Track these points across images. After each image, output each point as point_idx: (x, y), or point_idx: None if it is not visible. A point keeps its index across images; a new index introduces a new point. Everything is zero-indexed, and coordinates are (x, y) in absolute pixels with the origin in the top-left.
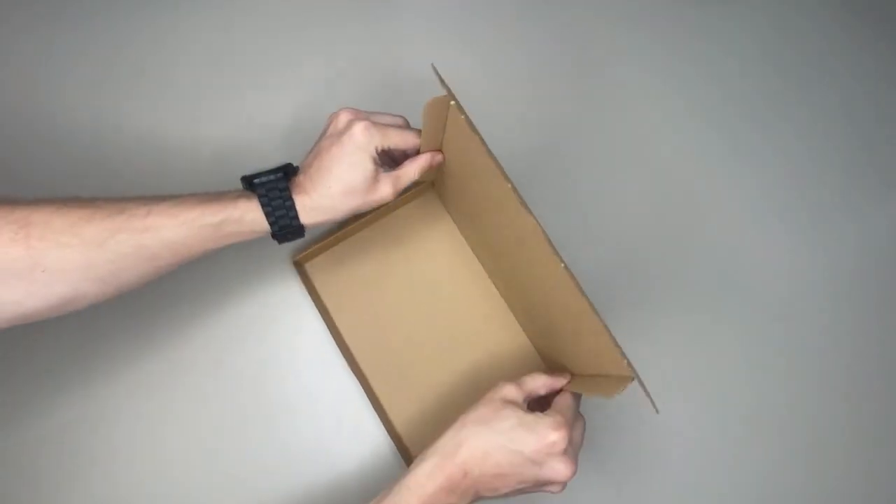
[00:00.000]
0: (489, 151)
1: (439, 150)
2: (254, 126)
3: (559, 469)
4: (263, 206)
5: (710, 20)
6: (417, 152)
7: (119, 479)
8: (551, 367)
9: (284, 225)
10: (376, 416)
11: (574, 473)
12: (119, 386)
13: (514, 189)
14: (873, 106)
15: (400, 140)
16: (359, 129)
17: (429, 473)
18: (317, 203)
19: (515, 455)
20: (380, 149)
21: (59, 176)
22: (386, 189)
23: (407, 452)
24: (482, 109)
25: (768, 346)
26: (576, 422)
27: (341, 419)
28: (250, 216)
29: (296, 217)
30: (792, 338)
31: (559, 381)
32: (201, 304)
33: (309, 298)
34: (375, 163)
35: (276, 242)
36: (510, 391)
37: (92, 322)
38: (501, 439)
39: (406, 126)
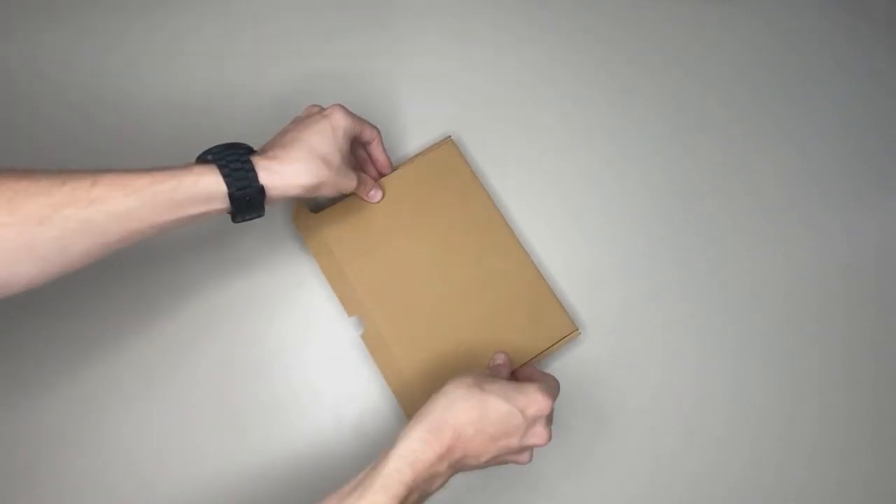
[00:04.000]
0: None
1: (380, 190)
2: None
3: (541, 433)
4: (220, 167)
5: (700, 21)
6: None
7: (115, 469)
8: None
9: (243, 185)
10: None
11: (546, 442)
12: (113, 378)
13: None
14: (867, 108)
15: (368, 132)
16: (339, 110)
17: (421, 439)
18: (283, 166)
19: (509, 415)
20: (350, 134)
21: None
22: (352, 179)
23: (410, 401)
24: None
25: (760, 345)
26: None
27: (341, 418)
28: (206, 179)
29: (255, 178)
30: (786, 337)
31: (506, 368)
32: (196, 291)
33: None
34: (347, 147)
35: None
36: (478, 372)
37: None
38: (493, 397)
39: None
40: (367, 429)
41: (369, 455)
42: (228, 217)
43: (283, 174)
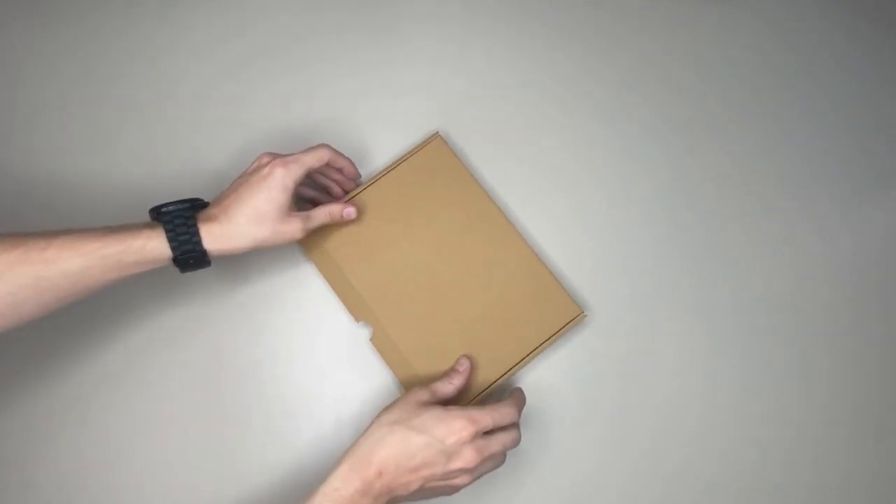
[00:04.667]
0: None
1: (353, 205)
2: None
3: (467, 456)
4: (167, 231)
5: (700, 21)
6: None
7: (115, 469)
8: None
9: (187, 250)
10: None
11: (478, 463)
12: (113, 380)
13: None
14: (868, 107)
15: (313, 160)
16: (278, 165)
17: (343, 477)
18: (224, 230)
19: (428, 446)
20: (299, 180)
21: None
22: (295, 224)
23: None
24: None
25: (764, 336)
26: (498, 422)
27: (341, 419)
28: (152, 244)
29: (199, 242)
30: (783, 336)
31: (461, 377)
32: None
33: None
34: (290, 199)
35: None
36: (422, 395)
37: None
38: (414, 433)
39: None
40: None
41: None
42: None
43: (222, 239)
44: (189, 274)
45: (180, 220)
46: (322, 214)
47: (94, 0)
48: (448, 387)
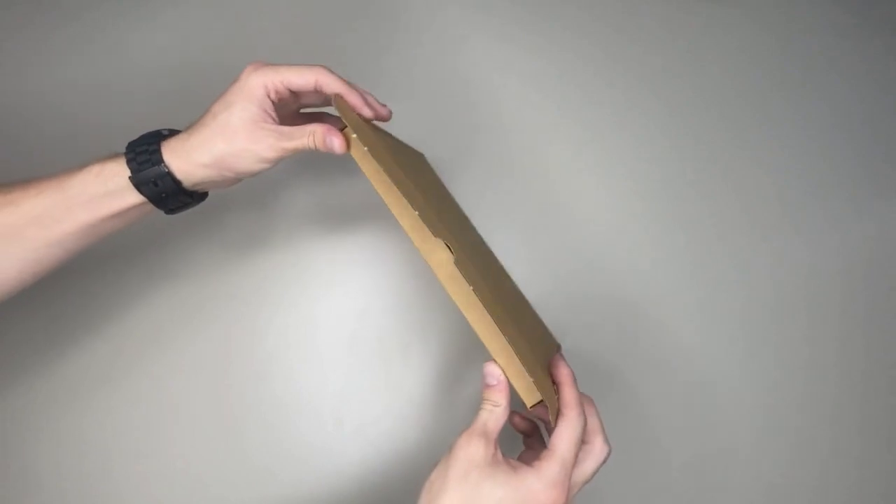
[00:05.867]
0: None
1: (339, 136)
2: None
3: None
4: (126, 153)
5: (699, 23)
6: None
7: (114, 469)
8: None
9: (145, 168)
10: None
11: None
12: (110, 379)
13: (421, 216)
14: (863, 110)
15: (296, 76)
16: (250, 69)
17: None
18: (185, 143)
19: None
20: (272, 88)
21: None
22: (266, 140)
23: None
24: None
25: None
26: (587, 443)
27: (341, 418)
28: (109, 166)
29: (159, 159)
30: (784, 338)
31: (501, 392)
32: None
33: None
34: (262, 108)
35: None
36: (477, 450)
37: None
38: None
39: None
40: (367, 429)
41: (369, 456)
42: (221, 219)
43: (183, 154)
44: (187, 272)
45: (143, 140)
46: (304, 133)
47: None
48: (495, 415)
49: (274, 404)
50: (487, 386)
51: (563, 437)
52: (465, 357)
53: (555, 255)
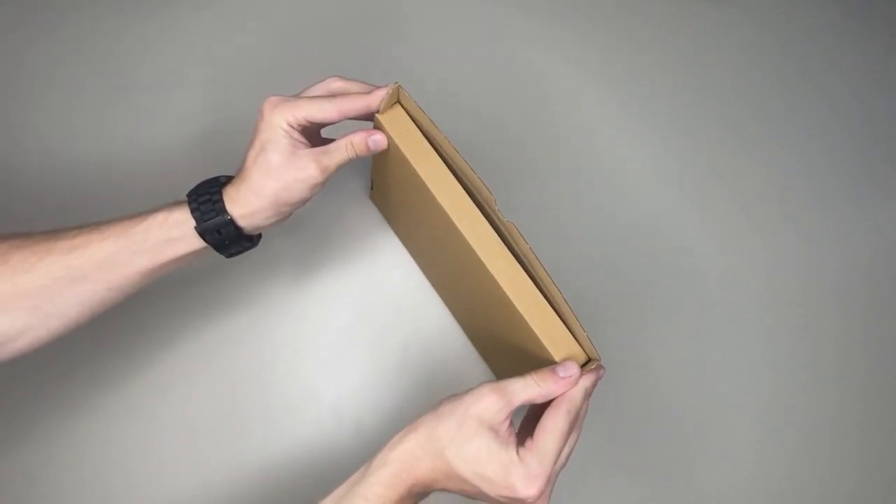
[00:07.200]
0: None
1: (378, 131)
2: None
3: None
4: (190, 201)
5: (699, 23)
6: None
7: (114, 470)
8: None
9: (209, 218)
10: (376, 412)
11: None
12: (111, 379)
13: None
14: (863, 110)
15: (315, 109)
16: (265, 107)
17: (387, 484)
18: (240, 189)
19: (479, 485)
20: (293, 123)
21: None
22: (308, 163)
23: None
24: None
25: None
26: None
27: (341, 418)
28: (175, 215)
29: (222, 208)
30: (783, 338)
31: (561, 385)
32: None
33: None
34: (292, 138)
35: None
36: (490, 408)
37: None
38: (467, 468)
39: (332, 96)
40: (367, 428)
41: (369, 454)
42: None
43: (241, 201)
44: (190, 272)
45: (203, 189)
46: (341, 146)
47: None
48: (530, 390)
49: (274, 403)
50: (552, 371)
51: (549, 431)
52: (463, 356)
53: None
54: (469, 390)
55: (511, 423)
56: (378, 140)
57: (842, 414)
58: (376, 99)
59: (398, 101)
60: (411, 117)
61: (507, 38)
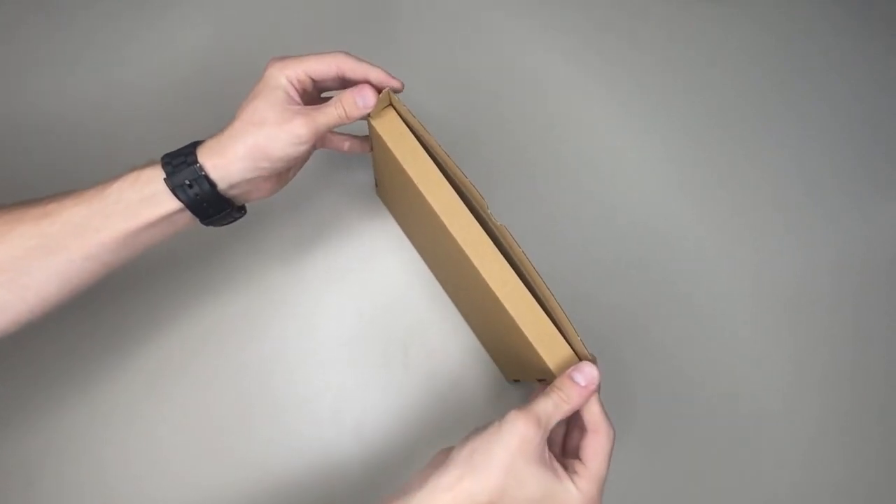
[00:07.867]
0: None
1: (368, 87)
2: None
3: None
4: (163, 160)
5: (698, 23)
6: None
7: (114, 469)
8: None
9: (180, 170)
10: (377, 412)
11: None
12: (110, 379)
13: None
14: (863, 110)
15: (317, 63)
16: (270, 64)
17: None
18: (219, 141)
19: None
20: (294, 77)
21: None
22: (296, 119)
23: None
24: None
25: (762, 347)
26: (595, 432)
27: (341, 418)
28: (147, 172)
29: (194, 161)
30: (783, 338)
31: (581, 395)
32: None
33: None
34: (288, 94)
35: None
36: (531, 442)
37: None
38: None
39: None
40: (367, 429)
41: (369, 455)
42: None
43: (218, 151)
44: (190, 268)
45: (178, 151)
46: (331, 105)
47: None
48: (560, 410)
49: (273, 403)
50: (570, 380)
51: (600, 454)
52: (463, 357)
53: (554, 256)
54: (496, 424)
55: (548, 445)
56: (367, 97)
57: (842, 414)
58: (372, 76)
59: (390, 105)
60: (404, 121)
61: (506, 38)
